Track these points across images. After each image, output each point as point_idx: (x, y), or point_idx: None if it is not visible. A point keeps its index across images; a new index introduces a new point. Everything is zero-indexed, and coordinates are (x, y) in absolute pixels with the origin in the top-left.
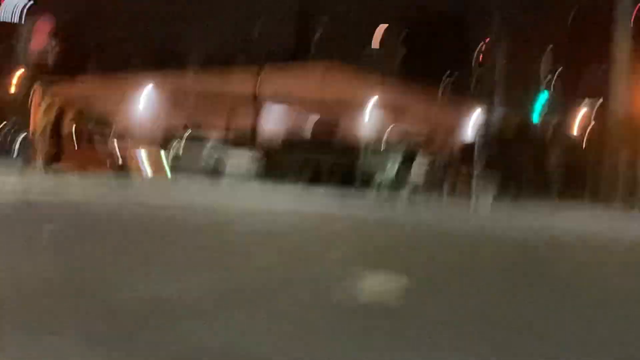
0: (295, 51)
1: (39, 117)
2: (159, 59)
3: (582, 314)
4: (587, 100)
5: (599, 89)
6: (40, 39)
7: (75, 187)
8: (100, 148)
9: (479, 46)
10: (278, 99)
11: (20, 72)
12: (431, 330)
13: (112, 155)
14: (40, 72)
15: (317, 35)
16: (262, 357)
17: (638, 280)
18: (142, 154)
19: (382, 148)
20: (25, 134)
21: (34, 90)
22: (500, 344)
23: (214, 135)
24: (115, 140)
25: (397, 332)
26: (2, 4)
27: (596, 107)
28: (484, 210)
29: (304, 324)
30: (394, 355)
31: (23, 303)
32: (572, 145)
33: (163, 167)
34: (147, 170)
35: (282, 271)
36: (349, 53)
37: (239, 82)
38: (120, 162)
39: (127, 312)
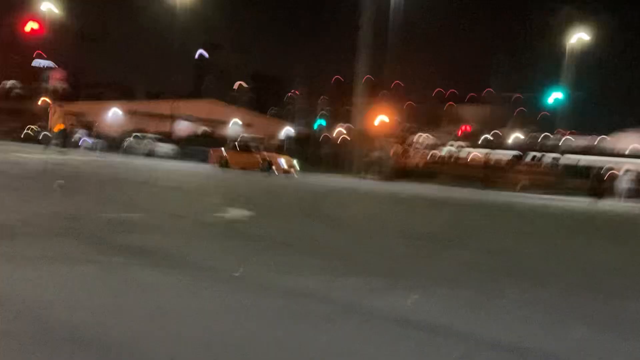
0: (195, 92)
1: (53, 121)
2: (121, 92)
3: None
4: (343, 123)
5: (348, 119)
6: (55, 79)
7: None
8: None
9: (288, 93)
10: (184, 117)
11: (43, 96)
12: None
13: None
14: (54, 97)
15: (206, 84)
16: None
17: (366, 208)
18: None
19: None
20: (45, 131)
21: (51, 107)
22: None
23: (151, 134)
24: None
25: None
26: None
27: (347, 127)
28: (292, 175)
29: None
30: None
31: None
32: (334, 144)
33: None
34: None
35: (186, 200)
36: (222, 94)
37: (164, 108)
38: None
39: None
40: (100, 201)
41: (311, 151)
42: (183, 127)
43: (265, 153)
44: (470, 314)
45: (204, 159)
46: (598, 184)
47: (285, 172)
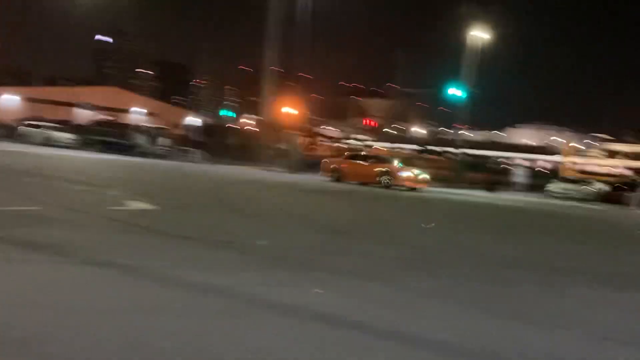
0: (96, 78)
1: None
2: (16, 77)
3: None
4: (249, 114)
5: (254, 109)
6: None
7: None
8: None
9: (193, 81)
10: (84, 104)
11: None
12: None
13: None
14: None
15: (107, 70)
16: None
17: (274, 199)
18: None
19: (142, 131)
20: None
21: None
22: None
23: (47, 122)
24: None
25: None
26: None
27: (254, 118)
28: (199, 162)
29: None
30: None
31: None
32: (241, 135)
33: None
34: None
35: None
36: (125, 81)
37: (62, 95)
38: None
39: None
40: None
41: (217, 141)
42: (82, 115)
43: (386, 165)
44: (373, 306)
45: (104, 148)
46: (494, 177)
47: (411, 187)
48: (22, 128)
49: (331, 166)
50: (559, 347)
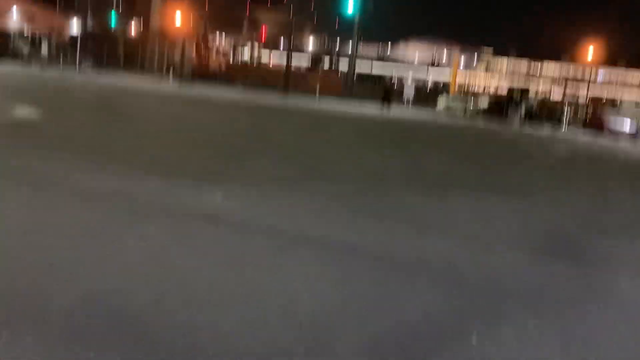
0: None
1: None
2: None
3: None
4: (139, 20)
5: (145, 16)
6: None
7: None
8: None
9: None
10: None
11: None
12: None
13: None
14: None
15: None
16: None
17: (168, 111)
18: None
19: (21, 37)
20: None
21: None
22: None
23: None
24: None
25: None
26: None
27: (144, 24)
28: (83, 73)
29: None
30: None
31: None
32: (131, 43)
33: None
34: None
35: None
36: None
37: None
38: None
39: None
40: None
41: (106, 50)
42: None
43: None
44: (279, 210)
45: None
46: (386, 91)
47: None
48: None
49: None
50: (451, 251)
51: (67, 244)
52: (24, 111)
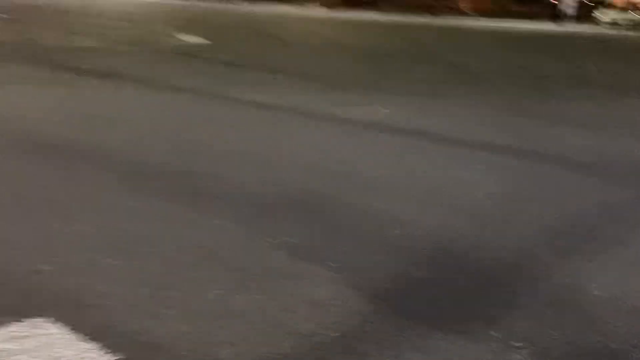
0: None
1: None
2: None
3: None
4: None
5: None
6: None
7: None
8: None
9: None
10: None
11: None
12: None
13: None
14: None
15: None
16: None
17: (323, 33)
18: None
19: None
20: None
21: None
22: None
23: None
24: None
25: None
26: None
27: None
28: (240, 3)
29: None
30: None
31: None
32: None
33: None
34: None
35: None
36: None
37: None
38: None
39: None
40: (53, 30)
41: None
42: None
43: None
44: (438, 118)
45: None
46: (553, 6)
47: None
48: None
49: None
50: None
51: (259, 143)
52: (194, 38)
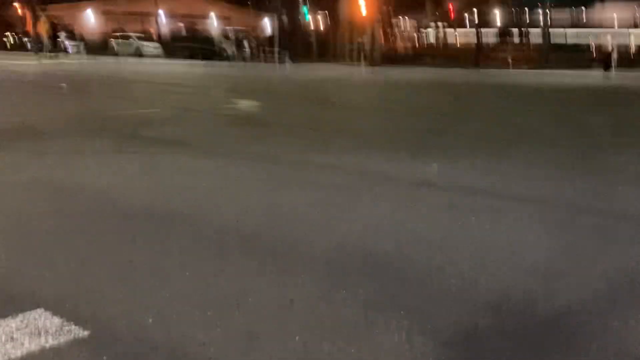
0: None
1: (40, 27)
2: None
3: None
4: (323, 11)
5: (328, 6)
6: None
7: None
8: None
9: None
10: (167, 14)
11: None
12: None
13: None
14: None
15: None
16: None
17: (367, 93)
18: None
19: (225, 38)
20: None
21: (29, 12)
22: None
23: (134, 34)
24: None
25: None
26: None
27: (330, 14)
28: (285, 67)
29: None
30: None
31: None
32: (320, 33)
33: None
34: None
35: (183, 102)
36: None
37: (144, 6)
38: None
39: None
40: (111, 100)
41: (298, 42)
42: (161, 25)
43: None
44: (491, 176)
45: (189, 55)
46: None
47: None
48: (113, 41)
49: None
50: None
51: (318, 208)
52: (249, 103)
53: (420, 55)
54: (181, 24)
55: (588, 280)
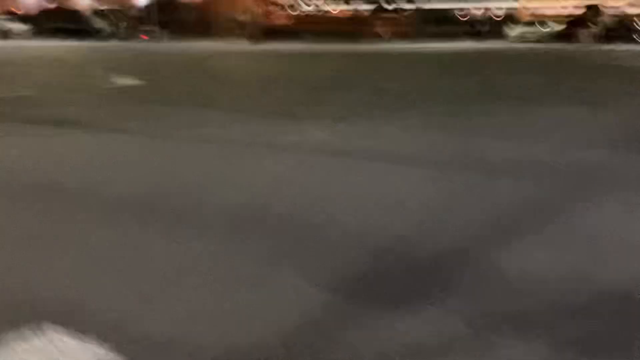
0: None
1: None
2: None
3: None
4: None
5: None
6: None
7: None
8: None
9: None
10: None
11: None
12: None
13: None
14: None
15: None
16: None
17: (252, 66)
18: None
19: (98, 15)
20: None
21: None
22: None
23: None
24: None
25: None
26: None
27: None
28: (161, 40)
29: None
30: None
31: None
32: (197, 9)
33: None
34: None
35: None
36: None
37: None
38: None
39: None
40: None
41: (176, 19)
42: (30, 4)
43: None
44: (371, 139)
45: (61, 34)
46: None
47: None
48: None
49: None
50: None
51: (210, 175)
52: (128, 79)
53: (299, 26)
54: (51, 2)
55: (462, 226)
